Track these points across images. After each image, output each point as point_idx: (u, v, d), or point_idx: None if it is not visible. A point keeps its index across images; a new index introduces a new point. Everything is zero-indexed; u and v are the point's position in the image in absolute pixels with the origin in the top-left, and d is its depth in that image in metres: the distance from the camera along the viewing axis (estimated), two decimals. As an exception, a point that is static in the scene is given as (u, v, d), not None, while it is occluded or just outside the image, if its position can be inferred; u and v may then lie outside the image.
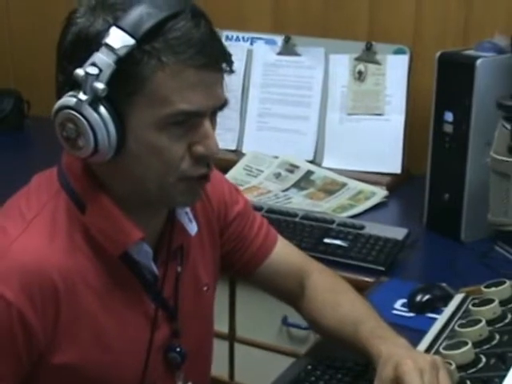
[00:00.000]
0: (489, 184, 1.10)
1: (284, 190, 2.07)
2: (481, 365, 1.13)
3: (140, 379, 1.14)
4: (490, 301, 1.27)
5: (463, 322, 1.25)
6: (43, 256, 1.04)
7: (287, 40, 2.22)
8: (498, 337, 1.19)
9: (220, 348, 1.38)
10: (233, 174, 2.09)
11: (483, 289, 1.33)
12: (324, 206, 1.95)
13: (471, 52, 1.78)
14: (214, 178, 1.16)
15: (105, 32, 0.98)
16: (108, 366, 1.11)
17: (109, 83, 0.98)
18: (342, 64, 2.16)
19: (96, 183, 1.08)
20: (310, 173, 2.13)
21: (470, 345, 1.16)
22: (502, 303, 1.28)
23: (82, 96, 0.99)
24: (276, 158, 2.18)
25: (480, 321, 1.22)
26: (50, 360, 1.06)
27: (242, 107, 2.24)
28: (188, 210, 1.18)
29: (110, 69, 0.98)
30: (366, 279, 1.63)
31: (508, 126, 1.00)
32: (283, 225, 1.77)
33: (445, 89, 1.78)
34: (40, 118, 2.64)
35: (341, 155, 2.15)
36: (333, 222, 1.81)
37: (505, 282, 1.32)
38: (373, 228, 1.78)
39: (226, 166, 2.00)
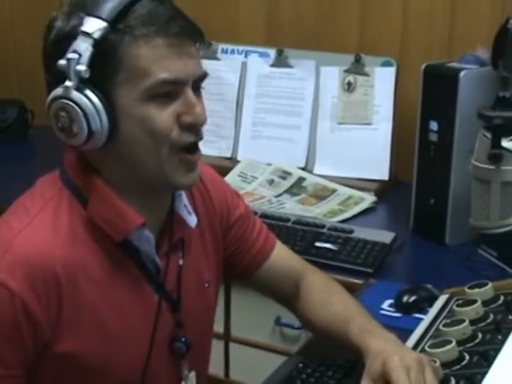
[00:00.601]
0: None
1: (277, 196, 2.07)
2: (464, 362, 1.14)
3: (143, 369, 1.14)
4: (473, 301, 1.27)
5: (447, 321, 1.26)
6: (46, 248, 1.05)
7: (280, 53, 2.22)
8: (480, 335, 1.19)
9: (216, 347, 1.38)
10: (228, 181, 2.08)
11: (467, 290, 1.33)
12: (315, 211, 1.96)
13: (455, 64, 1.78)
14: (216, 181, 1.17)
15: (80, 24, 1.02)
16: (110, 355, 1.11)
17: (90, 66, 1.01)
18: (332, 76, 2.17)
19: (96, 176, 1.09)
20: (301, 179, 2.14)
21: (454, 343, 1.16)
22: (485, 304, 1.28)
23: (68, 83, 1.01)
24: (269, 165, 2.18)
25: (463, 320, 1.22)
26: (54, 349, 1.06)
27: (237, 117, 2.25)
28: (187, 202, 1.18)
29: (88, 52, 1.01)
30: (356, 281, 1.63)
31: (488, 135, 1.01)
32: (276, 229, 1.77)
33: (430, 99, 1.79)
34: (43, 127, 2.61)
35: (331, 162, 2.16)
36: (323, 226, 1.81)
37: (487, 284, 1.32)
38: (362, 232, 1.78)
39: (221, 173, 1.99)
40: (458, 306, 1.30)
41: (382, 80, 2.11)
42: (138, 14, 1.02)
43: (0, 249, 1.04)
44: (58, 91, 1.03)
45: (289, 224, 1.83)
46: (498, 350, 1.09)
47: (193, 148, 1.09)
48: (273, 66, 2.23)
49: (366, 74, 2.13)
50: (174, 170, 1.08)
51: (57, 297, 1.05)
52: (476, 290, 1.32)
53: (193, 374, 1.22)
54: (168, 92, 1.04)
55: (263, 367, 1.35)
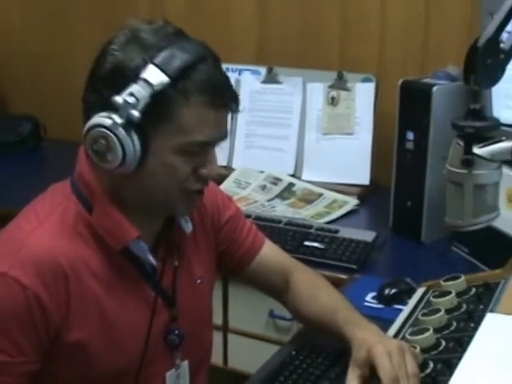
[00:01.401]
0: (445, 192, 1.12)
1: (269, 200, 2.07)
2: (441, 348, 1.14)
3: (140, 357, 1.15)
4: (448, 293, 1.28)
5: (425, 311, 1.26)
6: (54, 247, 1.06)
7: (270, 70, 2.22)
8: (455, 324, 1.20)
9: (215, 338, 1.38)
10: (224, 187, 2.09)
11: (442, 283, 1.34)
12: (304, 214, 1.96)
13: (428, 80, 1.79)
14: (209, 187, 1.18)
15: (142, 67, 1.00)
16: (111, 345, 1.11)
17: (142, 112, 1.00)
18: (318, 91, 2.17)
19: (104, 190, 1.10)
20: (291, 185, 2.13)
21: (431, 331, 1.17)
22: (458, 295, 1.28)
23: (118, 119, 1.01)
24: (262, 172, 2.18)
25: (439, 310, 1.23)
26: (65, 338, 1.07)
27: (232, 129, 2.24)
28: None
29: (145, 100, 1.00)
30: (341, 276, 1.63)
31: (461, 143, 1.02)
32: (269, 230, 1.76)
33: (406, 111, 1.79)
34: (55, 140, 2.62)
35: (317, 169, 2.15)
36: (311, 227, 1.81)
37: (460, 277, 1.32)
38: (346, 232, 1.78)
39: (218, 180, 2.00)
40: (434, 297, 1.30)
41: (363, 94, 2.11)
42: (197, 77, 1.02)
43: (13, 248, 1.05)
44: (106, 122, 1.02)
45: (280, 225, 1.83)
46: (471, 337, 1.08)
47: (199, 191, 1.12)
48: (264, 82, 2.23)
49: (348, 89, 2.13)
50: (180, 204, 1.12)
51: (65, 290, 1.06)
52: (450, 283, 1.32)
53: (185, 363, 1.23)
54: (197, 149, 1.06)
55: (258, 356, 1.35)
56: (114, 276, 1.11)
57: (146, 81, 1.00)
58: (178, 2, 2.42)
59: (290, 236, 1.78)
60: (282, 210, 1.98)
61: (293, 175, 2.18)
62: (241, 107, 1.10)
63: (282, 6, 2.27)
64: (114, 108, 1.01)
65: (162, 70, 1.00)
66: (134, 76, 1.01)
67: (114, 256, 1.11)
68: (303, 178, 2.17)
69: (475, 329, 1.12)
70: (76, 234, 1.09)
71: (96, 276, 1.09)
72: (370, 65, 2.17)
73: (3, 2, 2.71)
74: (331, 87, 2.15)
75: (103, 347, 1.10)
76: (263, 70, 2.23)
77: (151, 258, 1.14)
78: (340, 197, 2.05)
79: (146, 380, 1.17)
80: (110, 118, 1.02)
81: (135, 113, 1.00)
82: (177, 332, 1.19)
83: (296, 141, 2.20)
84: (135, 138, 1.02)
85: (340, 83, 2.14)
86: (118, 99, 1.00)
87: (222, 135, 1.09)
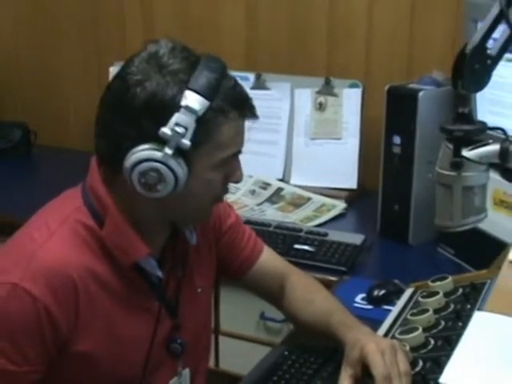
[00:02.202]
0: (433, 195, 1.12)
1: (258, 204, 2.07)
2: (430, 346, 1.15)
3: (143, 366, 1.15)
4: (436, 293, 1.29)
5: (414, 311, 1.27)
6: (64, 259, 1.05)
7: (258, 77, 2.23)
8: (443, 323, 1.21)
9: (207, 340, 1.39)
10: (214, 192, 2.09)
11: (430, 283, 1.35)
12: (293, 217, 1.96)
13: (414, 85, 1.80)
14: None
15: (180, 95, 1.00)
16: (116, 354, 1.12)
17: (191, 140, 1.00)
18: (306, 97, 2.18)
19: (116, 206, 1.09)
20: (280, 189, 2.14)
21: (420, 330, 1.18)
22: (446, 295, 1.29)
23: (168, 151, 1.00)
24: (251, 177, 2.17)
25: (428, 310, 1.24)
26: (71, 348, 1.07)
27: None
28: None
29: (192, 127, 1.00)
30: (331, 278, 1.64)
31: (450, 146, 1.03)
32: (260, 234, 1.73)
33: (393, 116, 1.80)
34: (45, 147, 2.62)
35: (306, 174, 2.16)
36: (301, 230, 1.82)
37: (447, 278, 1.33)
38: (335, 235, 1.79)
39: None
40: (422, 297, 1.31)
41: (350, 100, 2.12)
42: (227, 93, 1.02)
43: (24, 259, 1.04)
44: (155, 155, 1.00)
45: (270, 229, 1.83)
46: (459, 335, 1.09)
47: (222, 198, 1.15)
48: (252, 88, 2.22)
49: (335, 95, 2.14)
50: (209, 214, 1.15)
51: (74, 302, 1.05)
52: (438, 283, 1.33)
53: (186, 371, 1.24)
54: (230, 159, 1.07)
55: (250, 357, 1.35)
56: (122, 288, 1.11)
57: (188, 108, 0.99)
58: (167, 8, 2.42)
59: (280, 239, 1.78)
60: (272, 214, 1.99)
61: (281, 180, 2.18)
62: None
63: (270, 13, 2.28)
64: (158, 139, 1.00)
65: (198, 93, 0.99)
66: (174, 105, 0.99)
67: (122, 269, 1.10)
68: (292, 182, 2.17)
69: (463, 328, 1.13)
70: (86, 246, 1.08)
71: (104, 288, 1.09)
72: (357, 71, 2.18)
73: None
74: (319, 93, 2.16)
75: (108, 357, 1.10)
76: (252, 77, 2.23)
77: (159, 272, 1.14)
78: (328, 201, 2.06)
79: None
80: (160, 150, 1.00)
81: (186, 142, 1.00)
82: (179, 341, 1.19)
83: (284, 146, 2.20)
84: (185, 167, 1.02)
85: (327, 89, 2.15)
86: (166, 131, 0.99)
87: (244, 142, 1.11)
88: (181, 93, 1.00)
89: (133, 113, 1.02)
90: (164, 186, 1.02)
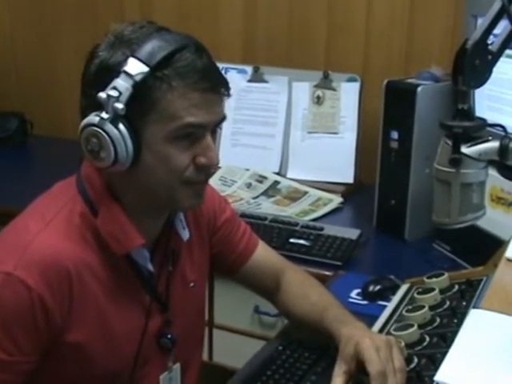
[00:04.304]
0: (430, 191, 1.11)
1: (254, 198, 2.06)
2: (425, 343, 1.15)
3: (134, 359, 1.15)
4: (432, 290, 1.28)
5: (409, 307, 1.26)
6: (59, 250, 1.05)
7: (256, 70, 2.22)
8: (438, 320, 1.21)
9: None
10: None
11: (425, 279, 1.34)
12: (289, 211, 1.96)
13: (413, 80, 1.79)
14: (206, 190, 1.17)
15: (123, 62, 1.00)
16: (107, 346, 1.11)
17: (127, 104, 1.00)
18: (303, 90, 2.17)
19: (110, 194, 1.09)
20: (276, 183, 2.13)
21: (415, 327, 1.17)
22: (442, 291, 1.29)
23: (104, 115, 1.01)
24: (247, 170, 2.17)
25: (423, 306, 1.23)
26: (64, 338, 1.06)
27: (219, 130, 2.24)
28: (182, 217, 1.19)
29: (128, 92, 0.99)
30: (326, 273, 1.63)
31: (449, 142, 1.02)
32: (255, 227, 1.74)
33: (391, 111, 1.79)
34: (41, 136, 2.63)
35: (302, 167, 2.16)
36: (297, 224, 1.81)
37: (443, 274, 1.33)
38: (331, 229, 1.78)
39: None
40: (418, 293, 1.31)
41: (348, 94, 2.12)
42: (177, 64, 1.01)
43: (19, 249, 1.04)
44: (94, 119, 1.02)
45: (266, 222, 1.82)
46: (454, 332, 1.08)
47: (201, 183, 1.10)
48: (250, 81, 2.23)
49: (333, 89, 2.14)
50: (183, 198, 1.09)
51: (68, 292, 1.05)
52: (434, 280, 1.32)
53: (177, 366, 1.23)
54: (189, 133, 1.04)
55: (243, 351, 1.35)
56: (114, 279, 1.10)
57: (126, 73, 0.99)
58: (166, 0, 2.41)
59: (276, 233, 1.78)
60: (267, 208, 1.98)
61: (278, 173, 2.18)
62: (232, 91, 1.08)
63: (269, 6, 2.27)
64: (101, 106, 1.01)
65: (141, 61, 1.00)
66: (116, 71, 1.00)
67: (115, 260, 1.10)
68: (288, 176, 2.17)
69: (458, 325, 1.12)
70: (81, 236, 1.08)
71: (97, 279, 1.08)
72: (355, 65, 2.17)
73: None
74: (317, 86, 2.15)
75: (100, 349, 1.10)
76: (250, 69, 2.23)
77: (150, 266, 1.13)
78: (324, 195, 2.05)
79: (139, 381, 1.17)
80: (98, 115, 1.01)
81: (119, 105, 1.00)
82: (169, 336, 1.18)
83: (281, 139, 2.20)
84: (125, 132, 1.01)
85: (325, 83, 2.14)
86: (102, 95, 1.00)
87: (215, 118, 1.06)
88: (125, 60, 1.01)
89: (86, 84, 1.05)
90: (106, 153, 1.02)
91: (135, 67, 0.99)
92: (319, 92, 2.15)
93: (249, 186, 2.13)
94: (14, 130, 2.57)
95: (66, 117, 2.65)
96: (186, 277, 1.23)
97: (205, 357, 1.81)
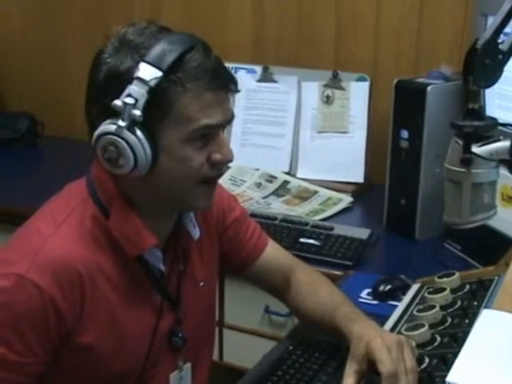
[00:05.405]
0: (440, 190, 1.11)
1: (264, 197, 2.06)
2: (436, 343, 1.14)
3: (145, 359, 1.15)
4: (443, 289, 1.28)
5: (420, 307, 1.26)
6: (71, 252, 1.05)
7: (265, 69, 2.22)
8: (449, 319, 1.20)
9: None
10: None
11: (436, 279, 1.33)
12: (299, 211, 1.95)
13: (423, 80, 1.79)
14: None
15: (135, 67, 1.00)
16: (119, 347, 1.11)
17: (143, 110, 1.00)
18: (313, 90, 2.17)
19: (122, 195, 1.09)
20: (286, 182, 2.13)
21: (426, 327, 1.16)
22: (453, 291, 1.28)
23: (121, 123, 1.00)
24: (257, 169, 2.17)
25: (434, 306, 1.22)
26: (75, 340, 1.07)
27: (228, 127, 2.24)
28: (192, 217, 1.19)
29: (143, 98, 0.99)
30: (336, 272, 1.63)
31: (460, 142, 1.02)
32: (264, 227, 1.73)
33: (400, 110, 1.79)
34: (52, 137, 2.64)
35: (312, 167, 2.15)
36: (307, 224, 1.81)
37: (454, 274, 1.32)
38: (341, 229, 1.77)
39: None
40: (429, 293, 1.30)
41: (357, 93, 2.11)
42: (189, 66, 1.01)
43: (32, 252, 1.04)
44: (111, 128, 1.01)
45: (276, 222, 1.82)
46: (465, 333, 1.08)
47: (215, 180, 1.11)
48: (259, 81, 2.23)
49: (342, 89, 2.13)
50: (196, 198, 1.10)
51: (80, 295, 1.05)
52: (445, 279, 1.32)
53: (188, 365, 1.23)
54: (205, 134, 1.05)
55: (254, 351, 1.36)
56: (126, 281, 1.11)
57: (140, 79, 0.99)
58: (175, 1, 2.41)
59: (286, 233, 1.77)
60: (277, 207, 1.98)
61: (288, 173, 2.18)
62: (240, 87, 1.09)
63: (277, 5, 2.27)
64: (116, 113, 1.01)
65: (153, 65, 0.99)
66: (128, 78, 1.00)
67: (126, 261, 1.10)
68: (298, 175, 2.16)
69: (470, 325, 1.12)
70: (92, 238, 1.08)
71: (109, 280, 1.09)
72: (365, 64, 2.17)
73: (2, 1, 2.70)
74: (326, 86, 2.15)
75: (111, 350, 1.10)
76: (259, 69, 2.23)
77: (162, 266, 1.13)
78: (334, 194, 2.05)
79: (149, 381, 1.17)
80: (114, 123, 1.01)
81: (137, 112, 0.99)
82: (180, 335, 1.19)
83: (291, 139, 2.19)
84: (143, 138, 1.01)
85: (335, 82, 2.14)
86: (118, 103, 1.00)
87: (227, 117, 1.07)
88: (136, 66, 1.00)
89: (95, 91, 1.04)
90: (125, 161, 1.02)
91: (148, 72, 0.99)
92: (329, 91, 2.15)
93: (259, 185, 2.12)
94: (25, 131, 2.58)
95: (76, 118, 2.65)
96: (196, 276, 1.23)
97: (215, 357, 1.81)
